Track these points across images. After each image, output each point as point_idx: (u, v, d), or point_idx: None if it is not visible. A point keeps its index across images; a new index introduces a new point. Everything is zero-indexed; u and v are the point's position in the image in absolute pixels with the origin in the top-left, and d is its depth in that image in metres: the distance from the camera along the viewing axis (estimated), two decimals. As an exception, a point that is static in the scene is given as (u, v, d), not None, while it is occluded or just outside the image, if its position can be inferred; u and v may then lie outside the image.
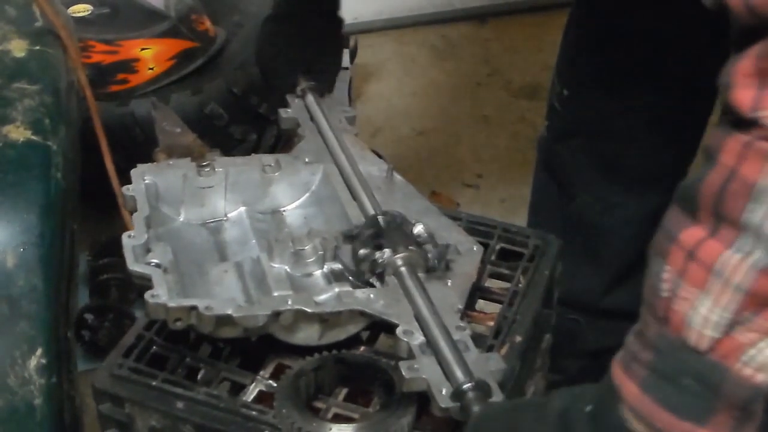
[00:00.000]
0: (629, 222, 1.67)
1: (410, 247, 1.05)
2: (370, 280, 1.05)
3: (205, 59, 2.17)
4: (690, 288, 0.72)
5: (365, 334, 1.07)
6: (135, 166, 1.15)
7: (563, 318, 1.50)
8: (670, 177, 1.66)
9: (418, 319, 0.99)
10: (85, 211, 1.23)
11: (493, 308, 1.12)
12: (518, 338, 1.06)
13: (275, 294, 1.02)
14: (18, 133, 1.09)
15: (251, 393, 1.01)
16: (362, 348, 1.06)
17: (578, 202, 1.68)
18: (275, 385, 1.00)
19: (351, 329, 1.03)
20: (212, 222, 1.17)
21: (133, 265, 1.01)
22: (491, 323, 1.09)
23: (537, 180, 1.79)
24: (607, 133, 1.59)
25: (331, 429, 0.95)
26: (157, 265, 1.01)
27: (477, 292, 1.13)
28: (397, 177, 1.22)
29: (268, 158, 1.20)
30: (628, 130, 1.58)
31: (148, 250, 1.03)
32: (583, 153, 1.63)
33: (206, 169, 1.17)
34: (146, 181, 1.13)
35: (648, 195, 1.66)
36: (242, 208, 1.17)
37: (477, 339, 1.02)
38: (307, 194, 1.21)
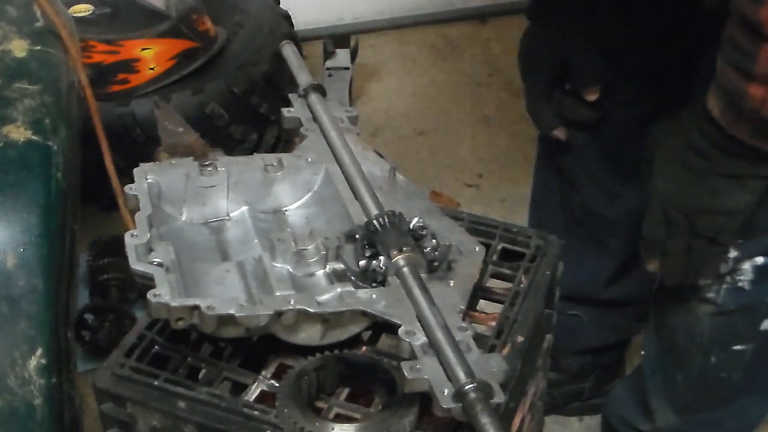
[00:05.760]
0: (633, 212, 1.68)
1: (407, 247, 1.05)
2: (373, 285, 1.05)
3: (206, 59, 2.17)
4: None
5: (367, 334, 1.07)
6: (135, 166, 1.15)
7: (564, 315, 1.50)
8: None
9: (420, 319, 0.99)
10: (85, 211, 1.23)
11: (495, 308, 1.12)
12: (520, 338, 1.06)
13: (277, 294, 1.02)
14: (18, 133, 1.09)
15: (253, 393, 1.01)
16: (364, 348, 1.05)
17: (583, 193, 1.69)
18: (277, 384, 1.00)
19: (353, 329, 1.03)
20: (214, 221, 1.16)
21: (136, 264, 1.00)
22: (493, 323, 1.09)
23: (538, 175, 1.79)
24: (608, 125, 1.60)
25: (333, 429, 0.95)
26: (160, 265, 1.00)
27: (479, 292, 1.13)
28: (399, 177, 1.22)
29: (271, 158, 1.20)
30: (626, 123, 1.59)
31: (151, 250, 1.03)
32: (586, 145, 1.64)
33: (209, 169, 1.16)
34: (149, 180, 1.13)
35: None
36: (244, 208, 1.17)
37: (479, 339, 1.02)
38: (310, 194, 1.20)
